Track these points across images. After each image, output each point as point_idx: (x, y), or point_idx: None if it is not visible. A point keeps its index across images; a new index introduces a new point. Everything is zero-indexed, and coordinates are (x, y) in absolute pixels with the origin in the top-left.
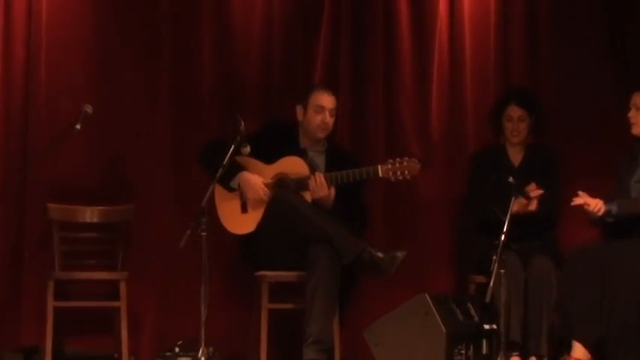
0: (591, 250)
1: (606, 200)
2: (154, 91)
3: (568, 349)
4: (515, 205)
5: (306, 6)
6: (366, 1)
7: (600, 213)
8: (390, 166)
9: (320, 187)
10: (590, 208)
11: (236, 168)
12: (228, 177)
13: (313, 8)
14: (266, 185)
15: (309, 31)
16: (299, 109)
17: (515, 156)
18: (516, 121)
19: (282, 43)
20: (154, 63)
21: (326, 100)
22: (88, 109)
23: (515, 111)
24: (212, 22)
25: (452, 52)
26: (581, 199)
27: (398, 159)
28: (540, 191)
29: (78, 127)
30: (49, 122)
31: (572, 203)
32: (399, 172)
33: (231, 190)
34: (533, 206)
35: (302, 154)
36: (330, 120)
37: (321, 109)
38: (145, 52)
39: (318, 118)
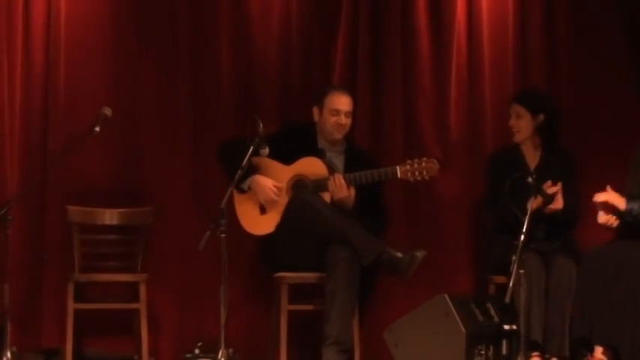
0: (607, 250)
1: (627, 198)
2: (173, 93)
3: (589, 349)
4: (534, 203)
5: (324, 7)
6: (385, 2)
7: (622, 207)
8: (408, 166)
9: (339, 188)
10: (614, 202)
11: (250, 171)
12: (242, 179)
13: (331, 9)
14: (283, 187)
15: (328, 32)
16: (315, 111)
17: (532, 158)
18: (514, 118)
19: (301, 45)
20: (172, 65)
21: (341, 102)
22: (107, 111)
23: (513, 107)
24: (230, 24)
25: (470, 52)
26: (604, 195)
27: (416, 160)
28: (557, 187)
29: (97, 129)
30: (68, 125)
31: (595, 199)
32: (417, 173)
33: (242, 191)
34: (559, 204)
35: (320, 154)
36: (346, 121)
37: (336, 112)
38: (163, 55)
39: (333, 120)
